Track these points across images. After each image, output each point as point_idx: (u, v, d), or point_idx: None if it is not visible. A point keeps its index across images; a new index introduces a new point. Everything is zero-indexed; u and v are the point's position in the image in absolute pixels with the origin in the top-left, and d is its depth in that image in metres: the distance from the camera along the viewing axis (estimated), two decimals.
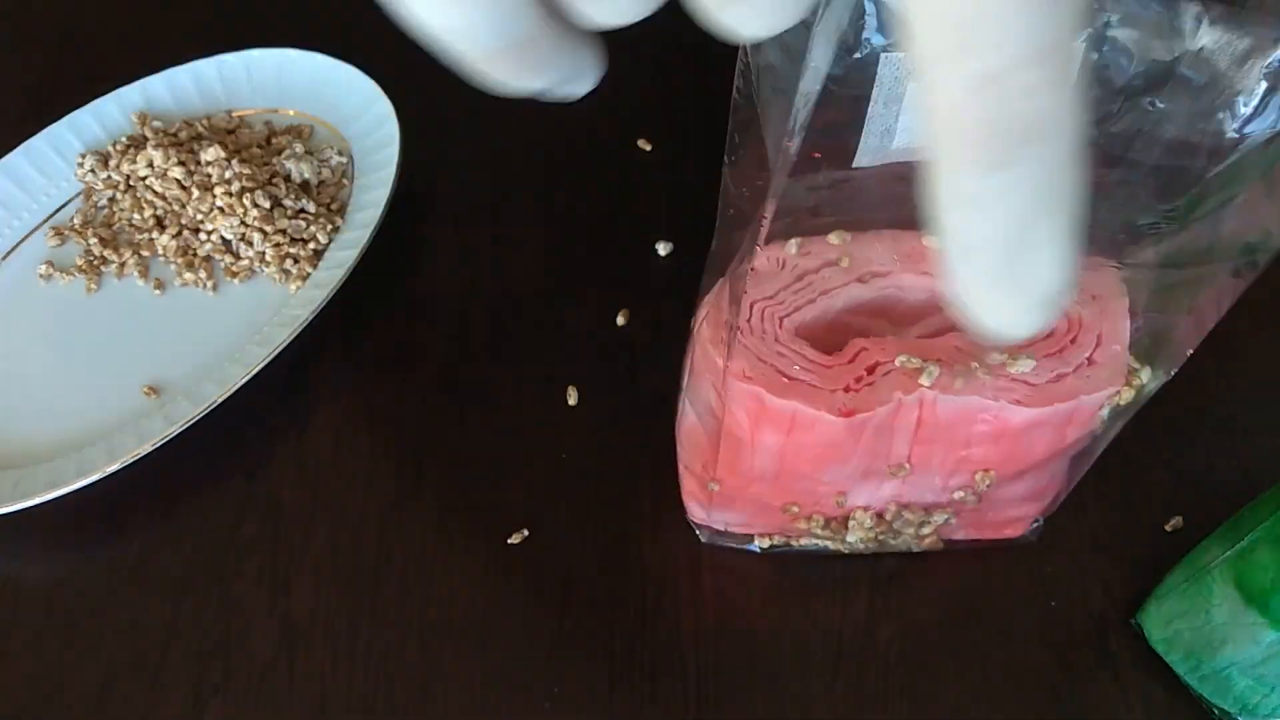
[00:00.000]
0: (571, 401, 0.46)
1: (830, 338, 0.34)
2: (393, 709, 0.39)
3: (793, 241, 0.34)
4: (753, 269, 0.33)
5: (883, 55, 0.26)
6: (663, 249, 0.50)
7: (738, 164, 0.31)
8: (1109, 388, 0.33)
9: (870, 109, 0.28)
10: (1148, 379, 0.34)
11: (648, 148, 0.54)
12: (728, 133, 0.30)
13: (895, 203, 0.33)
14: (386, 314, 0.49)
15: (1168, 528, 0.42)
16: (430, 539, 0.42)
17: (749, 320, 0.33)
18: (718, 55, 0.60)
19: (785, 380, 0.33)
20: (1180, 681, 0.39)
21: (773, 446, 0.35)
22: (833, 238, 0.34)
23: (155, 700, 0.39)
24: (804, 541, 0.41)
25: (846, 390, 0.33)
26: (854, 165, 0.29)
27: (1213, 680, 0.37)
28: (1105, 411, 0.34)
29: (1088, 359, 0.33)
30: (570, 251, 0.51)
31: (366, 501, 0.43)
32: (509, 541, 0.42)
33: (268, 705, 0.39)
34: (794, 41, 0.25)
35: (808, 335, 0.34)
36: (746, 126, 0.30)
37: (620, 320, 0.48)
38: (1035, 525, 0.41)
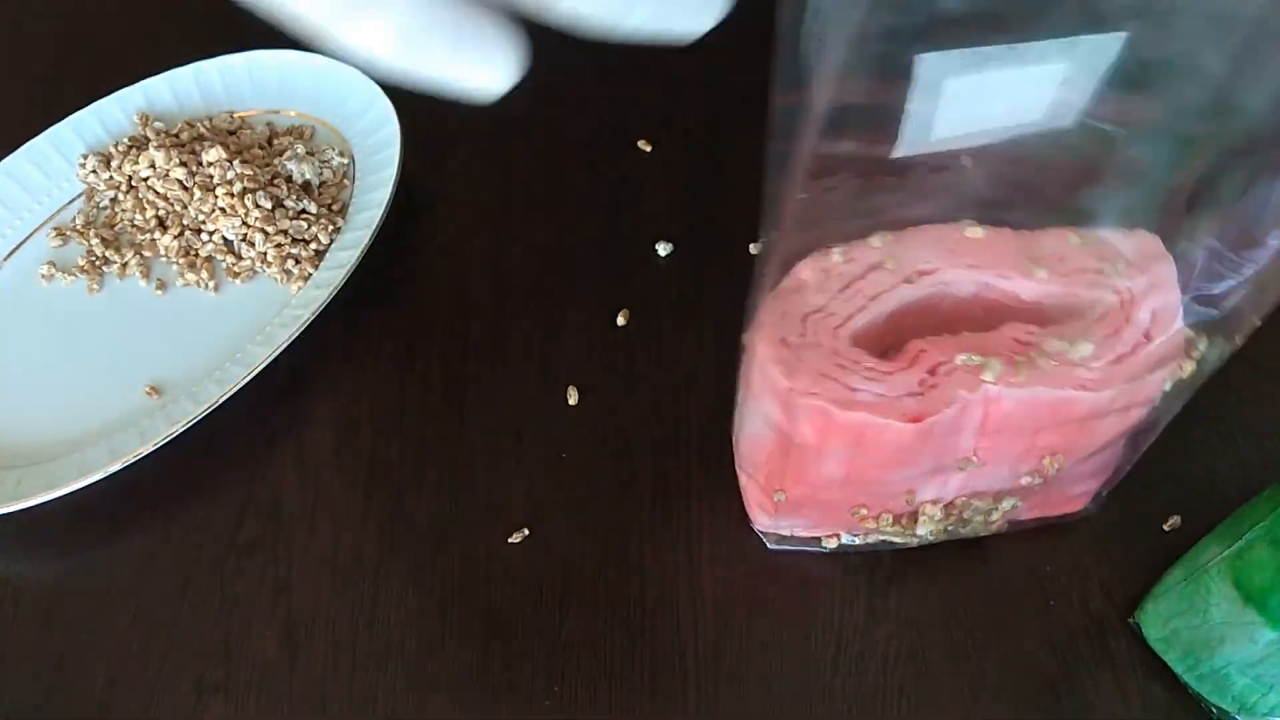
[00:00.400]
0: (571, 401, 0.46)
1: (883, 341, 0.34)
2: (393, 708, 0.39)
3: (835, 250, 0.34)
4: (801, 281, 0.34)
5: (917, 58, 0.27)
6: (663, 249, 0.50)
7: (780, 167, 0.31)
8: (1169, 363, 0.33)
9: (908, 106, 0.28)
10: (1205, 349, 0.33)
11: (648, 148, 0.54)
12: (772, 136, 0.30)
13: (933, 195, 0.33)
14: (387, 314, 0.49)
15: (1166, 527, 0.42)
16: (430, 539, 0.43)
17: (803, 335, 0.34)
18: (718, 56, 0.60)
19: (850, 392, 0.33)
20: (1178, 680, 0.39)
21: (841, 456, 0.35)
22: (874, 240, 0.34)
23: (156, 699, 0.39)
24: (872, 539, 0.41)
25: (911, 395, 0.33)
26: (892, 156, 0.30)
27: (1211, 679, 0.37)
28: (1168, 385, 0.34)
29: (1145, 335, 0.33)
30: (570, 251, 0.51)
31: (367, 501, 0.44)
32: (509, 541, 0.42)
33: (269, 705, 0.39)
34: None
35: (861, 342, 0.34)
36: (793, 126, 0.30)
37: (620, 320, 0.48)
38: (1097, 497, 0.41)
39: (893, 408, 0.33)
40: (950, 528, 0.40)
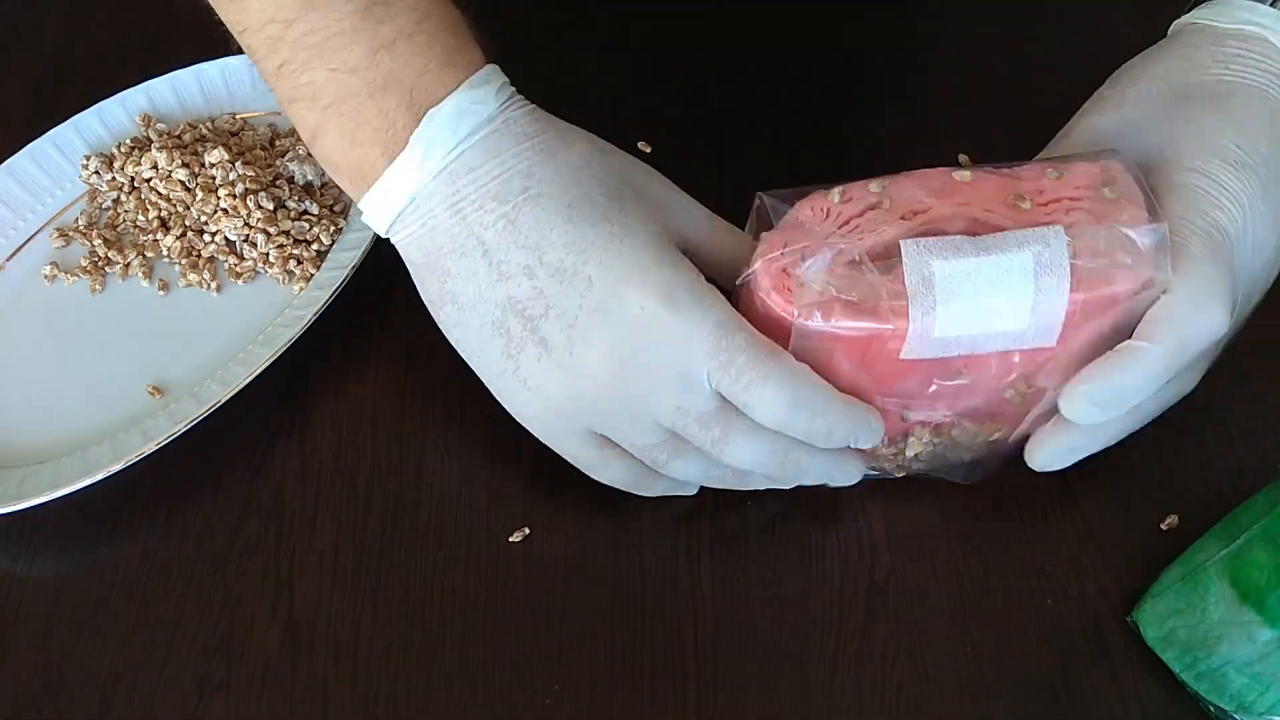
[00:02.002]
0: None
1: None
2: (394, 707, 0.39)
3: (835, 190, 0.37)
4: (800, 219, 0.37)
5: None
6: None
7: None
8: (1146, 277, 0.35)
9: None
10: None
11: (647, 149, 0.54)
12: None
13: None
14: (388, 314, 0.49)
15: (1163, 526, 0.42)
16: (430, 539, 0.43)
17: (804, 265, 0.36)
18: (717, 56, 0.60)
19: (854, 305, 0.35)
20: (1176, 679, 0.39)
21: (847, 372, 0.37)
22: (872, 185, 0.37)
23: (159, 698, 0.39)
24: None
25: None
26: None
27: (1209, 678, 0.37)
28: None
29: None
30: None
31: (368, 501, 0.44)
32: (509, 541, 0.43)
33: (270, 703, 0.39)
34: None
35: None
36: None
37: None
38: None
39: (892, 314, 0.35)
40: (938, 449, 0.40)
